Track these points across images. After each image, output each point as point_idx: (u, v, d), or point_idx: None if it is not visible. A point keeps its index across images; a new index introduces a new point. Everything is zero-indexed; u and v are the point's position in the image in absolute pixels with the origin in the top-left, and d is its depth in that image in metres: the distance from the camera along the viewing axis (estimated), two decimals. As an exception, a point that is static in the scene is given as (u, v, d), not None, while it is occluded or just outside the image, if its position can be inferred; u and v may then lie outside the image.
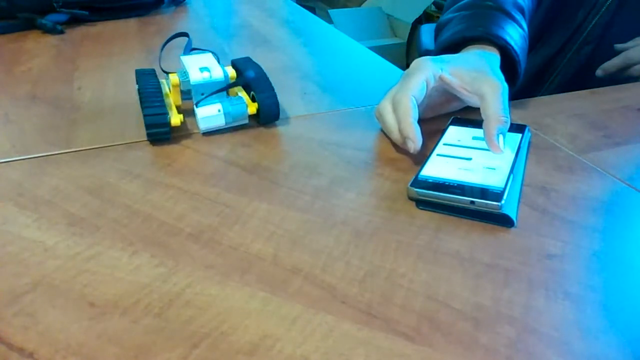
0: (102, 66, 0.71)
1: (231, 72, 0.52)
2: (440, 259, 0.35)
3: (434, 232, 0.38)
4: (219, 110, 0.49)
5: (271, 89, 0.52)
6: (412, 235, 0.37)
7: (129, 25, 0.92)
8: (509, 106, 0.47)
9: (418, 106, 0.47)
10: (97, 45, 0.81)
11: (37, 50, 0.78)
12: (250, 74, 0.52)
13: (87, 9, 0.90)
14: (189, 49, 0.59)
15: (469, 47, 0.55)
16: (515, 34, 0.56)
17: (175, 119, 0.49)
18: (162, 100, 0.49)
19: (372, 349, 0.28)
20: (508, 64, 0.54)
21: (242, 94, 0.55)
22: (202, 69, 0.50)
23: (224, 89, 0.50)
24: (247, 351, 0.28)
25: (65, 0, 0.89)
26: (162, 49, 0.59)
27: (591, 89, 0.64)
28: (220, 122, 0.50)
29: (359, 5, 3.02)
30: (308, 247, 0.36)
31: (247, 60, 0.58)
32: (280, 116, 0.56)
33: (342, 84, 0.65)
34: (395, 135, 0.48)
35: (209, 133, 0.52)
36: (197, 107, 0.50)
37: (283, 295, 0.32)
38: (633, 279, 0.33)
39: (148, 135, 0.48)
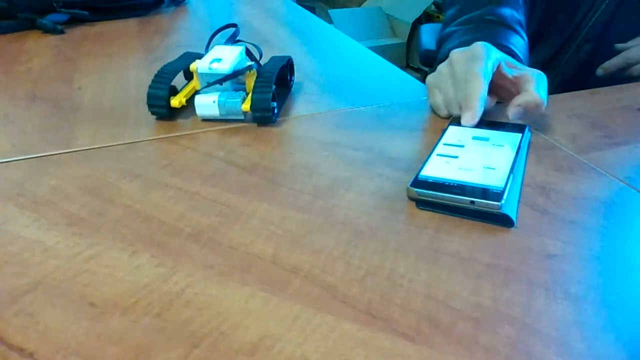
0: (102, 66, 0.71)
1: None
2: (440, 259, 0.35)
3: (434, 232, 0.38)
4: (214, 102, 0.53)
5: (267, 91, 0.52)
6: (412, 235, 0.37)
7: (129, 25, 0.92)
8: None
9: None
10: (97, 45, 0.81)
11: (37, 50, 0.78)
12: (246, 68, 0.54)
13: (87, 9, 0.90)
14: (234, 39, 0.62)
15: None
16: (519, 43, 0.59)
17: (175, 101, 0.53)
18: (168, 81, 0.54)
19: (372, 349, 0.28)
20: None
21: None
22: (214, 60, 0.53)
23: (218, 81, 0.53)
24: (247, 351, 0.28)
25: (65, 0, 0.89)
26: (210, 39, 0.61)
27: (591, 89, 0.64)
28: (215, 112, 0.53)
29: (359, 5, 3.02)
30: (308, 247, 0.36)
31: (280, 59, 0.59)
32: (281, 116, 0.56)
33: (342, 84, 0.65)
34: (453, 107, 0.51)
35: (209, 131, 0.52)
36: (197, 94, 0.54)
37: (283, 295, 0.32)
38: (633, 279, 0.33)
39: (149, 107, 0.54)
